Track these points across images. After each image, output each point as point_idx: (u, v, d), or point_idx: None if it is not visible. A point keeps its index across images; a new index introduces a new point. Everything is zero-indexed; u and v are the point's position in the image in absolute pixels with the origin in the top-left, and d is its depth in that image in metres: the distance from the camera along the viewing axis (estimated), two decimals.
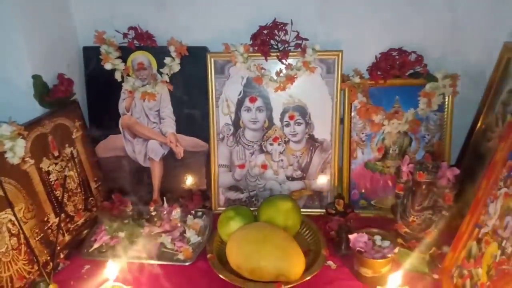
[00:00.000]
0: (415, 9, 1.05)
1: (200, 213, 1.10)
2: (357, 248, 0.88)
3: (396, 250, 0.87)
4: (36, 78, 0.95)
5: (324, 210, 1.05)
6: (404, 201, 0.94)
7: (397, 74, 1.04)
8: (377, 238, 0.91)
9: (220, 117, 1.11)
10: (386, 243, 0.90)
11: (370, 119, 1.07)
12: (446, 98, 1.05)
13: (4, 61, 0.94)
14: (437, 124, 1.07)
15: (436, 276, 0.87)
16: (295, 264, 0.84)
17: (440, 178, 0.88)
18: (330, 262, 0.92)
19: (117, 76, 1.09)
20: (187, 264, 0.94)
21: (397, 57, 1.04)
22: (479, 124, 1.04)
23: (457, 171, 0.88)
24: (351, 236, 0.89)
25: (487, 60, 1.05)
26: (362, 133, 1.09)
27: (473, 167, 1.01)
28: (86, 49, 1.11)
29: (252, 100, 1.09)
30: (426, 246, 0.91)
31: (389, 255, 0.85)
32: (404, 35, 1.07)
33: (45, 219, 0.91)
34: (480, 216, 0.78)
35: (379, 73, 1.04)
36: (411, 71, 1.05)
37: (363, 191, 1.12)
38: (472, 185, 0.96)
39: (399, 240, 0.93)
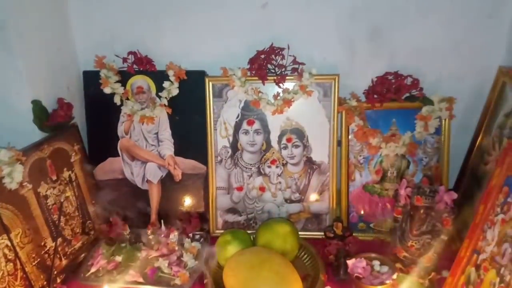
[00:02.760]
0: (411, 33, 1.06)
1: (197, 236, 1.09)
2: (355, 274, 0.87)
3: (394, 276, 0.86)
4: (36, 104, 0.96)
5: (322, 233, 1.04)
6: (402, 225, 0.93)
7: (393, 97, 1.04)
8: (376, 263, 0.90)
9: (218, 139, 1.11)
10: (385, 268, 0.89)
11: (367, 142, 1.07)
12: (443, 121, 1.05)
13: (4, 86, 0.95)
14: (434, 147, 1.07)
15: None
16: None
17: (438, 203, 0.88)
18: None
19: (116, 100, 1.11)
20: None
21: (393, 80, 1.05)
22: (476, 147, 1.04)
23: (454, 195, 0.88)
24: (350, 262, 0.88)
25: (483, 83, 1.05)
26: (360, 156, 1.09)
27: (472, 189, 1.01)
28: (86, 73, 1.13)
29: (250, 123, 1.10)
30: (425, 271, 0.89)
31: (388, 281, 0.84)
32: (400, 59, 1.08)
33: (42, 243, 0.91)
34: (478, 242, 0.77)
35: (375, 96, 1.05)
36: (407, 94, 1.06)
37: (362, 213, 1.12)
38: (471, 208, 0.96)
39: (398, 265, 0.92)
